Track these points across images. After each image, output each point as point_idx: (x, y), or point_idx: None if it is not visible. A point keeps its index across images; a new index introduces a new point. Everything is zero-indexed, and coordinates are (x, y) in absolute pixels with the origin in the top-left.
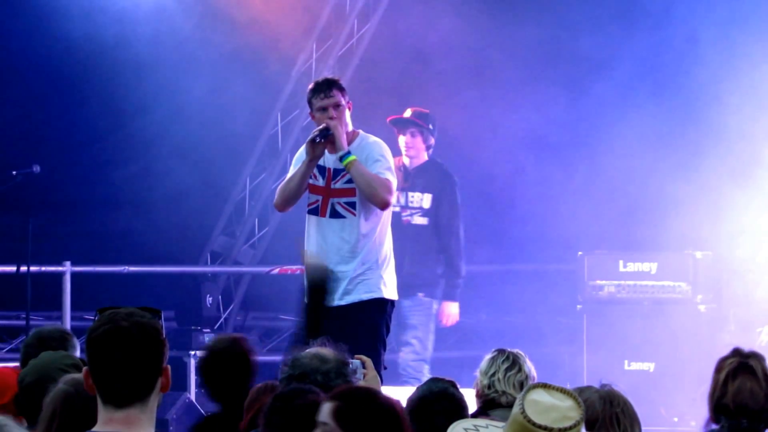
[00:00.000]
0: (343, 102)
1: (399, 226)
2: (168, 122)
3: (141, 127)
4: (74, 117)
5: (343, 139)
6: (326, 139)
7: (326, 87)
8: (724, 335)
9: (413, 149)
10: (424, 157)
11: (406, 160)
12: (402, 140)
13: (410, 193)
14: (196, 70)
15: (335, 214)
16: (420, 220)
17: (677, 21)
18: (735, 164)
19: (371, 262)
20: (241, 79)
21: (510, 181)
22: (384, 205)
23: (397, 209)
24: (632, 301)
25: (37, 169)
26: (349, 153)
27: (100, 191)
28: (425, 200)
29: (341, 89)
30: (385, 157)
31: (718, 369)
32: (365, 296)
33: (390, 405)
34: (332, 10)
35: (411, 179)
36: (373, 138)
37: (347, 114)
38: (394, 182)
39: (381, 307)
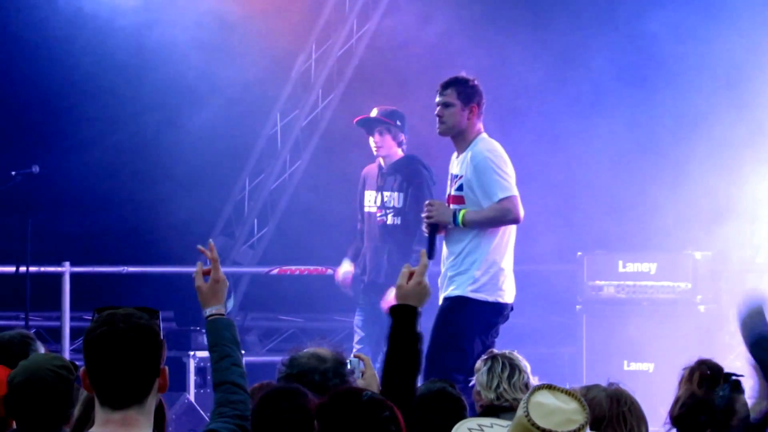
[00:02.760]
0: (455, 101)
1: (374, 226)
2: (167, 123)
3: (140, 128)
4: (74, 117)
5: (444, 214)
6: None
7: (442, 86)
8: (723, 335)
9: (383, 148)
10: (398, 153)
11: (381, 159)
12: (371, 141)
13: (385, 193)
14: (195, 70)
15: None
16: (393, 219)
17: (674, 14)
18: (734, 164)
19: (466, 264)
20: (240, 79)
21: None
22: (515, 222)
23: (374, 210)
24: (632, 302)
25: (36, 169)
26: (455, 214)
27: (99, 191)
28: (397, 199)
29: (462, 89)
30: (495, 163)
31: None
32: (452, 293)
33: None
34: (332, 10)
35: (384, 178)
36: (485, 146)
37: (464, 115)
38: (508, 193)
39: (452, 306)
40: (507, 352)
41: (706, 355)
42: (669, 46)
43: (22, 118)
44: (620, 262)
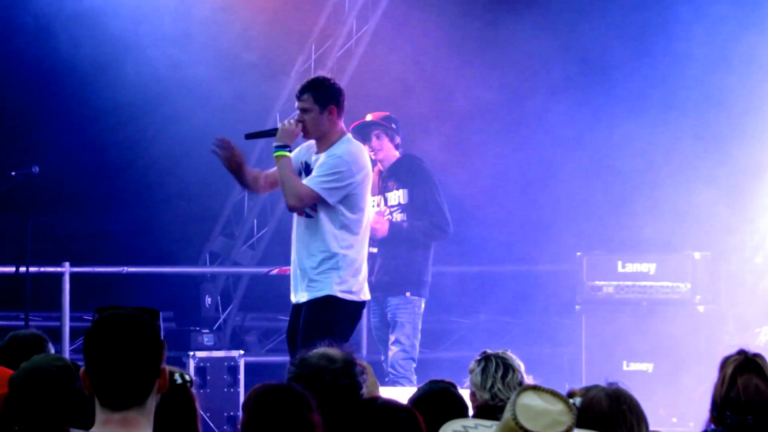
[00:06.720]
0: (312, 106)
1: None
2: (167, 123)
3: (140, 128)
4: (74, 117)
5: (287, 135)
6: (257, 136)
7: (299, 90)
8: (723, 335)
9: (381, 151)
10: (395, 154)
11: (380, 164)
12: (368, 147)
13: (388, 194)
14: (195, 71)
15: (306, 214)
16: (400, 216)
17: (681, 22)
18: (734, 165)
19: (330, 262)
20: (239, 80)
21: (509, 182)
22: (289, 209)
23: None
24: (631, 302)
25: (36, 169)
26: (283, 148)
27: (99, 192)
28: (401, 196)
29: (318, 93)
30: (333, 169)
31: (723, 365)
32: (318, 294)
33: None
34: (331, 10)
35: (385, 181)
36: (345, 149)
37: (323, 118)
38: (315, 193)
39: (333, 306)
40: (500, 351)
41: (705, 355)
42: (670, 44)
43: (22, 118)
44: (619, 263)
